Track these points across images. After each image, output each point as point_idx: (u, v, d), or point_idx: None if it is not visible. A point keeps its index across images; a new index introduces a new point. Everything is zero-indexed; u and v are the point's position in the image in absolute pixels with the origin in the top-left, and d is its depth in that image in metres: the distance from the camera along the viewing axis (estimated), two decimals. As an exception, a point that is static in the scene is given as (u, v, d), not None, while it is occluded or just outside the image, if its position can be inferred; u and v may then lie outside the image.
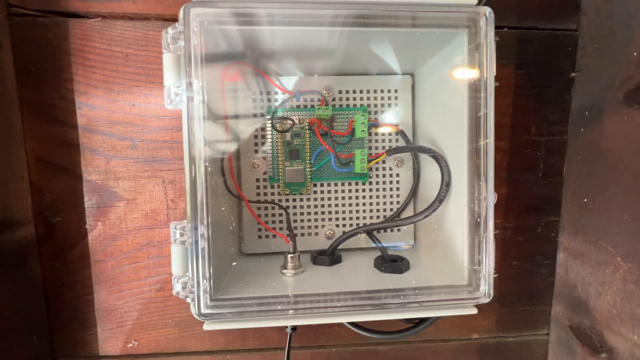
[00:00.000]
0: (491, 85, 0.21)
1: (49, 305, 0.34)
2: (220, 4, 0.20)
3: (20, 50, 0.31)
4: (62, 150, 0.33)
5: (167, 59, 0.21)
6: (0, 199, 0.29)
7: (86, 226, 0.33)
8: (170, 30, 0.21)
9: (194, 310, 0.21)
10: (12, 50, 0.31)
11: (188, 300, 0.21)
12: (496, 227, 0.38)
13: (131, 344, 0.35)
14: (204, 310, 0.21)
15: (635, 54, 0.30)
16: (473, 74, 0.22)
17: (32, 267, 0.33)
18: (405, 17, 0.22)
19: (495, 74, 0.22)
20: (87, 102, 0.32)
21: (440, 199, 0.25)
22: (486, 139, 0.22)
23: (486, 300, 0.22)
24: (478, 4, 0.22)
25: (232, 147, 0.29)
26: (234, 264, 0.26)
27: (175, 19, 0.27)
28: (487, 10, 0.21)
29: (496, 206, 0.37)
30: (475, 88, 0.22)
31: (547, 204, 0.38)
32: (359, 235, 0.30)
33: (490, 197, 0.21)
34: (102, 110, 0.32)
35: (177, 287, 0.22)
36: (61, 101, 0.32)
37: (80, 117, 0.32)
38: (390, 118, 0.31)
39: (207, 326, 0.22)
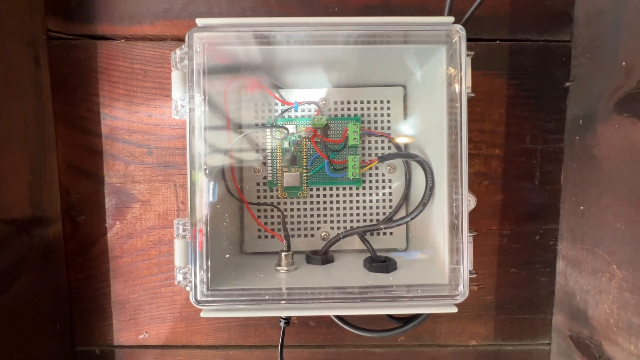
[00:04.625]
0: (464, 95, 0.23)
1: (72, 296, 0.37)
2: (220, 28, 0.23)
3: (55, 69, 0.35)
4: (88, 156, 0.37)
5: (175, 75, 0.24)
6: (34, 199, 0.33)
7: (106, 225, 0.37)
8: (177, 51, 0.24)
9: (192, 297, 0.24)
10: (49, 69, 0.35)
11: (187, 289, 0.24)
12: (492, 233, 0.39)
13: (142, 336, 0.38)
14: (199, 298, 0.23)
15: (624, 63, 0.30)
16: (450, 84, 0.24)
17: (58, 261, 0.36)
18: (397, 35, 0.25)
19: (469, 84, 0.23)
20: (110, 113, 0.36)
21: (424, 202, 0.27)
22: (460, 145, 0.23)
23: (461, 299, 0.23)
24: (455, 23, 0.24)
25: (233, 153, 0.32)
26: (227, 256, 0.28)
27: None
28: (459, 27, 0.23)
29: (492, 213, 0.39)
30: (452, 98, 0.24)
31: (545, 211, 0.38)
32: (353, 237, 0.32)
33: (464, 200, 0.23)
34: (123, 121, 0.36)
35: (179, 277, 0.24)
36: (88, 113, 0.36)
37: (104, 127, 0.36)
38: (384, 127, 0.33)
39: (205, 314, 0.24)
